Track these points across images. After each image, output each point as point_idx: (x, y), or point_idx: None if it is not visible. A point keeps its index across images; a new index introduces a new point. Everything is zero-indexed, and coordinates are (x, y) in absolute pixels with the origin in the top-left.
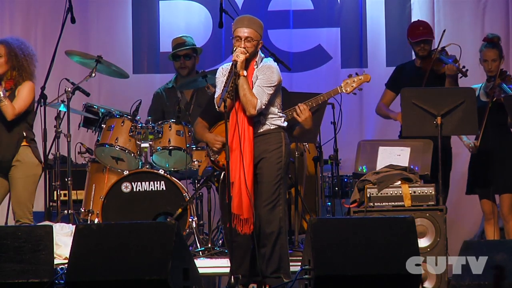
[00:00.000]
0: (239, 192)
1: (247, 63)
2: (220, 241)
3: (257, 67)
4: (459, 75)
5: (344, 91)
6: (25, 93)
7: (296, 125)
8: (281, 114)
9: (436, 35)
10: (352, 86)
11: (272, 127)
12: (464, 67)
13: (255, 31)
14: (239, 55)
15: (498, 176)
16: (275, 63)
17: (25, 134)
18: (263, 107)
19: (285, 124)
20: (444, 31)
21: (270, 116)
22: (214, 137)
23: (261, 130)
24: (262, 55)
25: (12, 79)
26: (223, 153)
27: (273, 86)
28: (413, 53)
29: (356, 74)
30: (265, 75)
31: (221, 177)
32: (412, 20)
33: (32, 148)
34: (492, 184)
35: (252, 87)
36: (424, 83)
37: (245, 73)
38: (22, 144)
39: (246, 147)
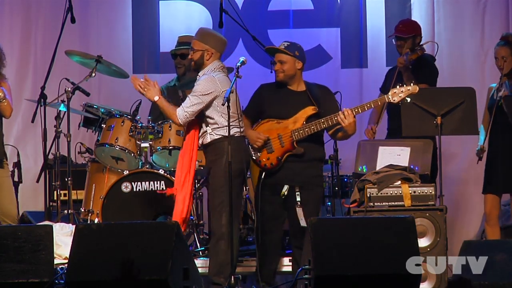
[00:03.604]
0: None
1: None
2: None
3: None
4: (419, 52)
5: (392, 100)
6: (8, 90)
7: (339, 130)
8: (226, 123)
9: (436, 34)
10: (399, 96)
11: (216, 137)
12: (419, 48)
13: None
14: None
15: (509, 174)
16: (213, 75)
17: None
18: (187, 114)
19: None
20: None
21: (213, 126)
22: (256, 135)
23: (208, 141)
24: (210, 69)
25: None
26: (264, 152)
27: (201, 96)
28: None
29: (405, 85)
30: (195, 86)
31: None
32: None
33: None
34: (502, 181)
35: None
36: (393, 80)
37: (156, 98)
38: None
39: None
